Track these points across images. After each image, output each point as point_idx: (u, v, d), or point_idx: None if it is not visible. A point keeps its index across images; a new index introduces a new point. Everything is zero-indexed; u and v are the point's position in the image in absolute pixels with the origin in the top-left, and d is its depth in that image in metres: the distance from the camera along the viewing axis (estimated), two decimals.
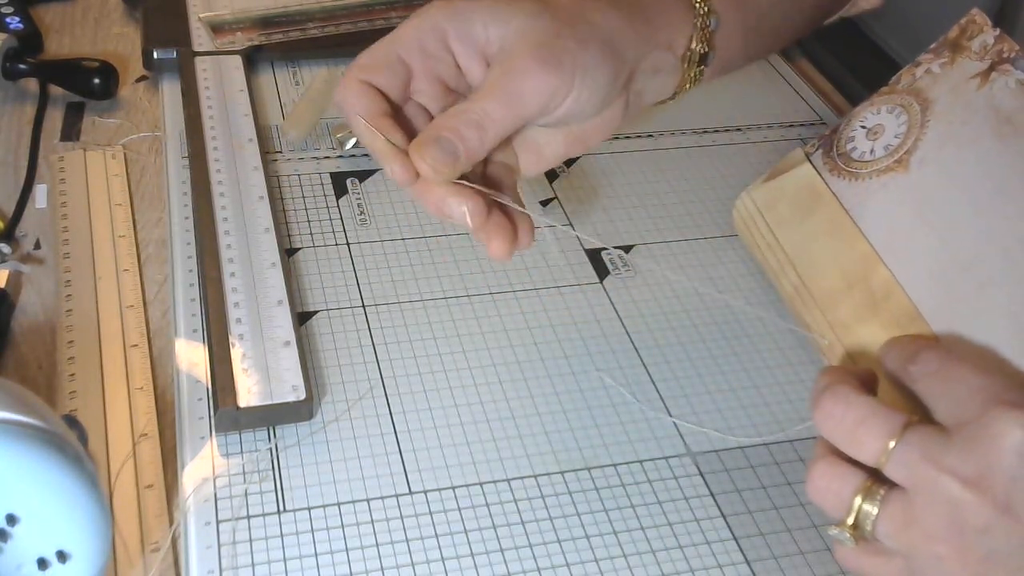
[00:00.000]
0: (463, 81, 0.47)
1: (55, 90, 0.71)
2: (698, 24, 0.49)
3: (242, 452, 0.48)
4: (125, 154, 0.66)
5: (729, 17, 0.51)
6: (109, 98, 0.71)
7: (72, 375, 0.51)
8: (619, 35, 0.46)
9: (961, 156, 0.47)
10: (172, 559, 0.44)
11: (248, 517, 0.45)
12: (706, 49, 0.50)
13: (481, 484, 0.48)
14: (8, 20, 0.77)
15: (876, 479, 0.38)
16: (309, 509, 0.46)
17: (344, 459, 0.48)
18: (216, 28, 0.76)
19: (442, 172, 0.43)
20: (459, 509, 0.46)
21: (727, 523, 0.47)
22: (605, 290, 0.59)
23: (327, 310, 0.56)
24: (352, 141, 0.67)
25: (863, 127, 0.52)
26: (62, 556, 0.36)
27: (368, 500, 0.46)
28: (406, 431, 0.50)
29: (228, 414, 0.48)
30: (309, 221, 0.62)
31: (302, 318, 0.55)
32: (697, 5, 0.49)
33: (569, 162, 0.70)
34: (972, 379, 0.38)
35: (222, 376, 0.49)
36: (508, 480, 0.48)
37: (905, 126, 0.50)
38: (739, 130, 0.75)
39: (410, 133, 0.45)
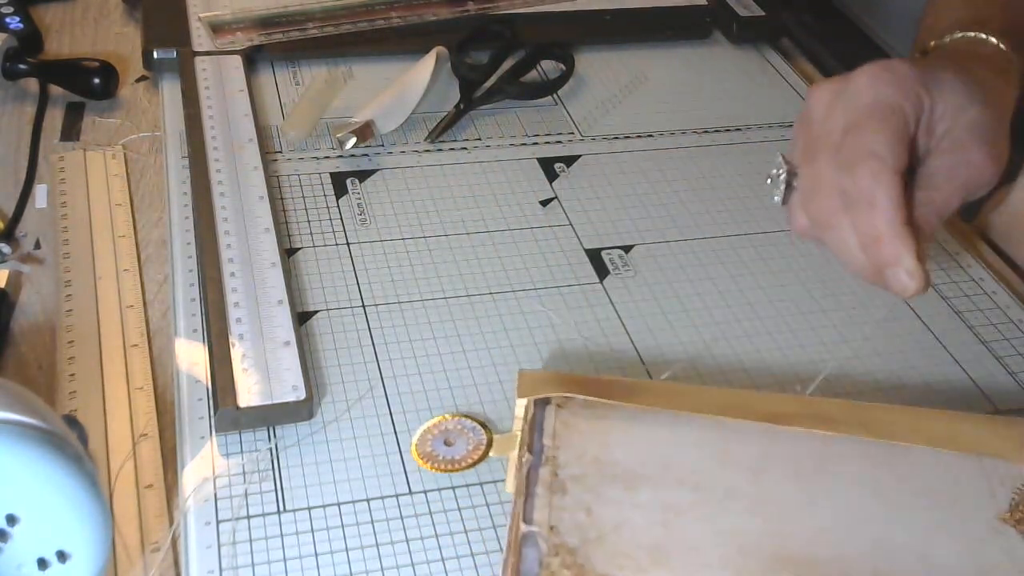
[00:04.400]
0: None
1: (55, 90, 0.71)
2: None
3: (242, 452, 0.48)
4: (125, 154, 0.66)
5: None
6: (109, 98, 0.71)
7: (72, 375, 0.51)
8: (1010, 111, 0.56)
9: None
10: (172, 559, 0.44)
11: (248, 517, 0.45)
12: None
13: (481, 484, 0.48)
14: (8, 20, 0.77)
15: None
16: (309, 509, 0.46)
17: (344, 459, 0.48)
18: (216, 28, 0.76)
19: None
20: (459, 509, 0.46)
21: None
22: (605, 290, 0.59)
23: (327, 310, 0.56)
24: (352, 141, 0.67)
25: None
26: (62, 556, 0.36)
27: (368, 500, 0.46)
28: (406, 431, 0.50)
29: (228, 414, 0.48)
30: (309, 221, 0.62)
31: (302, 318, 0.55)
32: None
33: (569, 162, 0.70)
34: None
35: (222, 376, 0.49)
36: None
37: None
38: (739, 130, 0.75)
39: None
